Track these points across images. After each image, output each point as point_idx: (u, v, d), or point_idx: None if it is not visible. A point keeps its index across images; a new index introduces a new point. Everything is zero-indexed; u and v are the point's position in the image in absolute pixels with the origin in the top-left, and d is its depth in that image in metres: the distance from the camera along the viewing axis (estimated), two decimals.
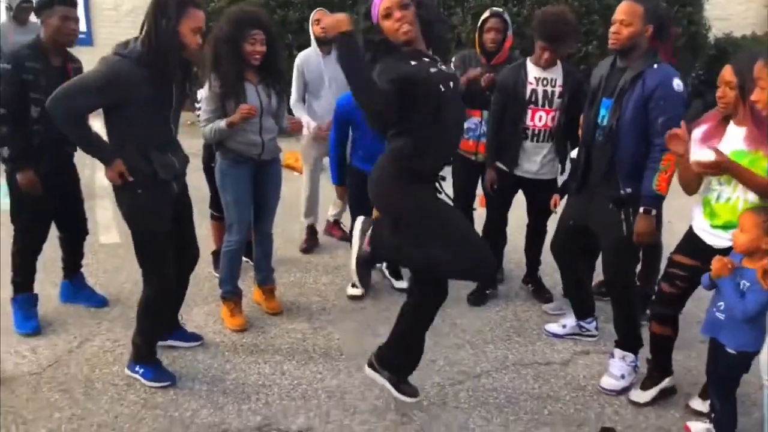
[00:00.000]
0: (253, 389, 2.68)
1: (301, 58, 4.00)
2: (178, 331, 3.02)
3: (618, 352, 2.79)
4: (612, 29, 2.57)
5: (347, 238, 4.23)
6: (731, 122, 2.30)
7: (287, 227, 4.38)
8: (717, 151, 2.18)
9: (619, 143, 2.58)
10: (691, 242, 2.45)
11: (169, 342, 2.96)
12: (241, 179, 3.09)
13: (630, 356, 2.76)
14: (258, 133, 3.04)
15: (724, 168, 2.19)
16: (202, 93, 3.07)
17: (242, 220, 3.15)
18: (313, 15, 4.01)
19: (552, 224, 3.45)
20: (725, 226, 2.31)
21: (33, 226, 3.02)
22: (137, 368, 2.70)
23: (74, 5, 2.91)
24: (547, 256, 3.57)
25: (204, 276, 3.71)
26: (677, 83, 2.51)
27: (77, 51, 3.09)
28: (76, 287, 3.37)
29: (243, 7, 3.10)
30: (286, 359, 2.93)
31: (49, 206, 3.02)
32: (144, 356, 2.70)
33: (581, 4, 7.77)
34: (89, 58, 2.95)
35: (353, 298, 3.57)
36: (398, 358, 2.48)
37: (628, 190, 2.59)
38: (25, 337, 3.00)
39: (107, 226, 4.42)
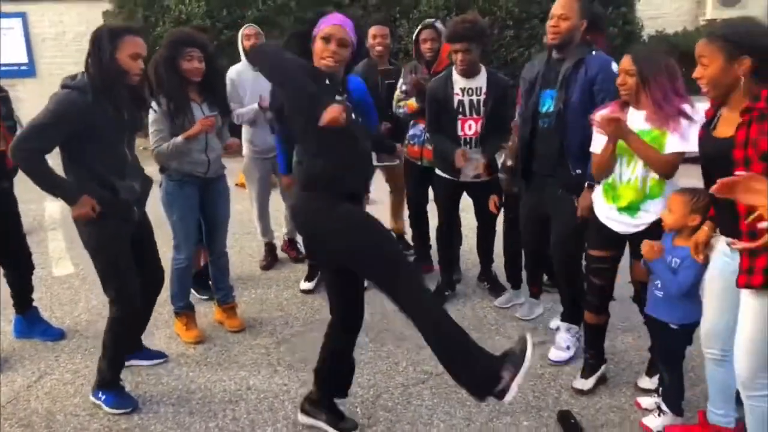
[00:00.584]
0: (219, 407, 2.69)
1: (233, 72, 3.98)
2: (142, 351, 3.02)
3: (563, 324, 2.99)
4: (550, 23, 2.71)
5: (300, 259, 4.29)
6: (630, 108, 2.46)
7: (245, 244, 4.40)
8: (617, 118, 2.33)
9: (568, 127, 2.72)
10: (601, 234, 2.57)
11: (133, 362, 2.97)
12: (187, 199, 3.13)
13: (574, 328, 2.98)
14: (204, 152, 3.10)
15: (622, 131, 2.32)
16: (151, 116, 3.09)
17: (188, 238, 3.19)
18: (243, 30, 4.08)
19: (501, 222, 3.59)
20: (629, 207, 2.46)
21: None
22: (100, 394, 2.69)
23: None
24: (498, 253, 3.71)
25: (163, 300, 3.69)
26: (615, 66, 2.66)
27: (21, 83, 3.06)
28: (29, 322, 3.32)
29: (180, 28, 3.15)
30: (251, 374, 2.94)
31: None
32: (108, 382, 2.69)
33: (521, 10, 8.08)
34: (33, 89, 2.95)
35: (306, 292, 3.79)
36: (325, 392, 2.50)
37: (578, 171, 2.72)
38: None
39: (60, 257, 4.36)
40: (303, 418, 2.54)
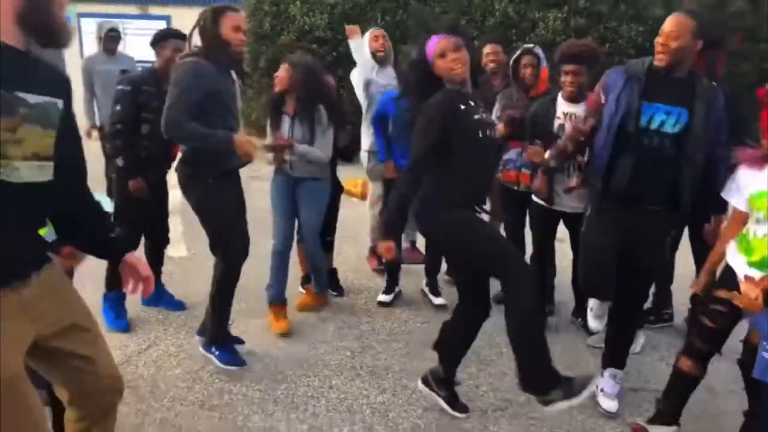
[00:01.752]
0: (302, 400, 2.82)
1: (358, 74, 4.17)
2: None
3: (611, 371, 2.86)
4: (659, 40, 2.50)
5: (381, 270, 4.36)
6: None
7: (340, 249, 4.54)
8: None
9: (697, 156, 2.52)
10: (731, 277, 2.40)
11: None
12: (278, 188, 3.54)
13: (620, 373, 2.87)
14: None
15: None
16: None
17: (277, 226, 3.54)
18: (372, 32, 4.16)
19: None
20: (760, 263, 2.28)
21: (132, 230, 3.34)
22: (213, 349, 2.97)
23: (185, 38, 3.25)
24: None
25: (261, 292, 3.92)
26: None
27: None
28: (158, 291, 3.67)
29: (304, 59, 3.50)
30: (335, 374, 3.06)
31: (147, 214, 3.41)
32: (217, 339, 2.96)
33: (645, 39, 7.75)
34: None
35: (382, 304, 3.85)
36: (445, 372, 2.67)
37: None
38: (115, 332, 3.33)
39: (176, 240, 4.73)
40: (422, 387, 2.73)
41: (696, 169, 2.54)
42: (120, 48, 5.53)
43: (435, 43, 2.40)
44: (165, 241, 3.71)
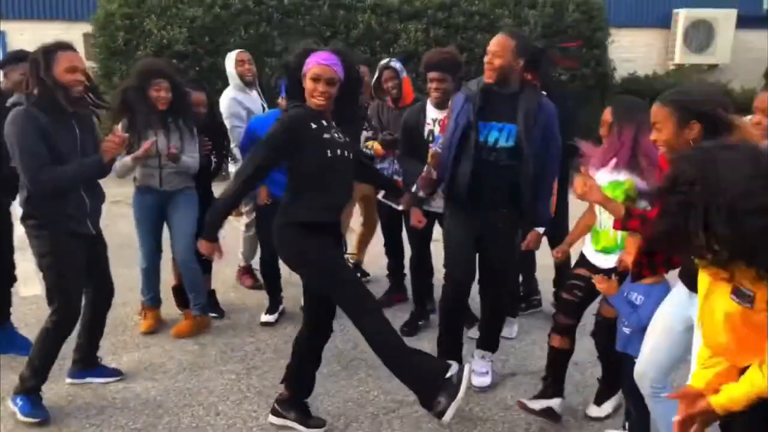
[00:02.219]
0: (186, 431, 2.66)
1: (229, 94, 4.12)
2: (97, 368, 3.04)
3: (479, 352, 3.11)
4: (486, 59, 2.70)
5: (258, 286, 4.31)
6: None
7: (219, 269, 4.36)
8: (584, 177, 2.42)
9: (527, 166, 2.73)
10: (585, 260, 2.71)
11: (88, 380, 3.00)
12: (145, 206, 3.49)
13: (489, 354, 3.11)
14: (157, 166, 3.38)
15: (593, 198, 2.39)
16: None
17: (144, 240, 3.55)
18: (235, 55, 4.16)
19: None
20: (604, 250, 2.62)
21: None
22: (17, 400, 2.70)
23: None
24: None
25: (132, 324, 3.66)
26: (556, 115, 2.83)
27: None
28: (7, 336, 3.32)
29: (150, 59, 3.42)
30: (220, 400, 2.92)
31: None
32: (29, 388, 2.70)
33: (485, 52, 8.32)
34: None
35: (266, 324, 3.76)
36: (295, 392, 2.67)
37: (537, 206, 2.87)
38: None
39: (27, 278, 4.27)
40: (273, 419, 2.70)
41: (528, 174, 2.76)
42: None
43: (314, 63, 2.38)
44: (12, 279, 3.34)
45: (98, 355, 3.10)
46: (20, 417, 2.66)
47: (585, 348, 2.96)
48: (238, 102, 4.06)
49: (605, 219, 2.59)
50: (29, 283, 4.20)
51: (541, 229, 2.97)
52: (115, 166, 3.17)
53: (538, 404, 2.74)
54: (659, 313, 2.18)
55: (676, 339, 2.10)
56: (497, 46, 2.65)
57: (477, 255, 2.96)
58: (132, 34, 7.94)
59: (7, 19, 10.76)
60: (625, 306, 2.36)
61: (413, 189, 3.06)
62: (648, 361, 2.19)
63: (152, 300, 3.63)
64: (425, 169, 3.02)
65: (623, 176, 2.52)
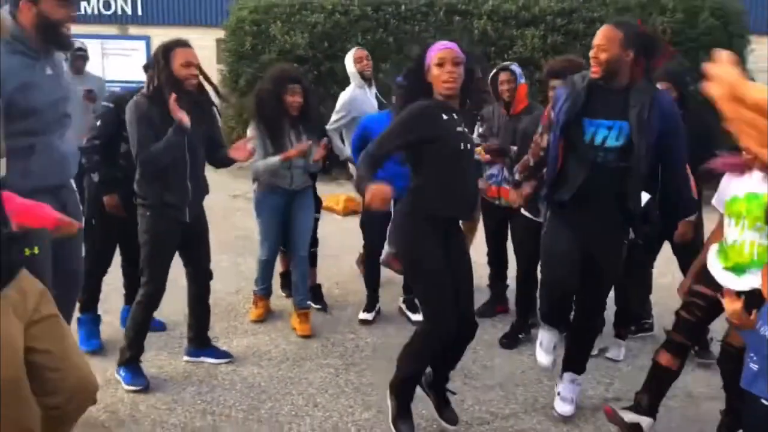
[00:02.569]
0: (286, 419, 2.78)
1: (347, 94, 4.27)
2: (209, 349, 3.28)
3: (569, 375, 2.86)
4: (591, 53, 2.54)
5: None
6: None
7: (321, 265, 4.53)
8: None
9: (639, 166, 2.54)
10: (709, 275, 2.48)
11: (202, 359, 3.25)
12: (272, 205, 3.61)
13: (579, 378, 2.87)
14: (287, 168, 3.51)
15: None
16: (248, 134, 3.52)
17: (269, 236, 3.67)
18: (354, 53, 4.30)
19: None
20: (734, 268, 2.37)
21: (103, 249, 3.37)
22: (121, 371, 2.98)
23: None
24: None
25: (244, 311, 3.89)
26: (676, 107, 2.64)
27: None
28: None
29: (283, 65, 3.64)
30: (319, 392, 3.02)
31: (123, 232, 3.35)
32: (127, 359, 2.98)
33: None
34: None
35: (364, 322, 3.82)
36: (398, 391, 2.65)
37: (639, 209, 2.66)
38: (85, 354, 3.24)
39: None
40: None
41: (638, 178, 2.56)
42: (89, 68, 5.47)
43: (437, 50, 2.40)
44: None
45: (211, 336, 3.34)
46: (124, 386, 2.94)
47: (701, 379, 2.74)
48: (354, 100, 4.18)
49: (734, 232, 2.36)
50: None
51: (692, 217, 2.81)
52: (257, 166, 3.47)
53: (629, 416, 2.58)
54: None
55: None
56: (603, 39, 2.48)
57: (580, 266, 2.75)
58: (258, 39, 8.46)
59: (152, 24, 11.90)
60: (759, 343, 2.14)
61: (513, 174, 3.06)
62: None
63: (265, 290, 3.82)
64: (526, 156, 2.94)
65: (765, 189, 2.28)
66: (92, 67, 5.68)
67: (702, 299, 2.47)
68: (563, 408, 2.82)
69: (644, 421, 2.58)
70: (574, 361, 2.88)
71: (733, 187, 2.37)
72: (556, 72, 3.22)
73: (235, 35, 8.64)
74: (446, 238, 2.49)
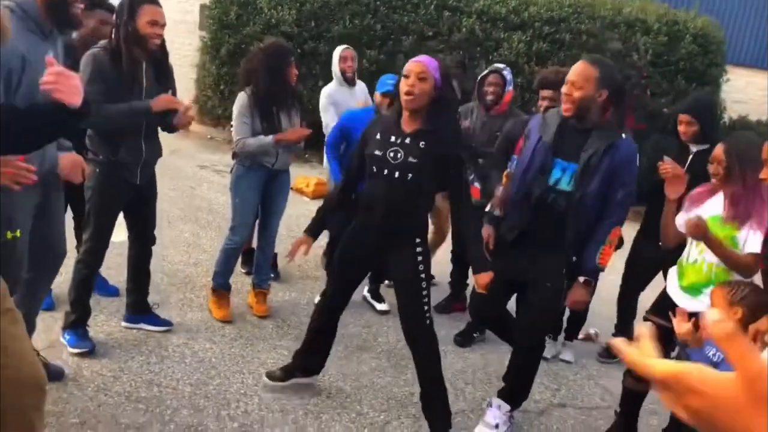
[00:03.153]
0: (234, 397, 2.76)
1: (327, 90, 4.28)
2: (149, 316, 3.22)
3: (496, 400, 2.76)
4: (563, 89, 2.44)
5: None
6: (721, 192, 2.44)
7: (287, 246, 4.48)
8: (699, 219, 2.31)
9: (582, 214, 2.49)
10: (665, 302, 2.55)
11: (140, 325, 3.19)
12: (251, 184, 3.40)
13: (506, 406, 2.74)
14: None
15: (701, 235, 2.31)
16: (236, 110, 3.35)
17: (244, 223, 3.47)
18: (340, 52, 4.28)
19: None
20: (690, 287, 2.43)
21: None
22: (65, 335, 2.90)
23: (113, 11, 3.17)
24: None
25: (201, 284, 3.83)
26: (637, 158, 2.55)
27: None
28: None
29: (279, 40, 3.50)
30: None
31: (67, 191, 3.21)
32: (71, 322, 2.90)
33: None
34: None
35: None
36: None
37: (574, 258, 2.56)
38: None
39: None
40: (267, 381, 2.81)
41: (575, 221, 2.49)
42: None
43: (409, 62, 2.40)
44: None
45: (166, 307, 3.27)
46: (69, 349, 2.87)
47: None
48: (330, 96, 4.20)
49: (694, 251, 2.42)
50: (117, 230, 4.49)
51: (582, 279, 2.54)
52: (250, 143, 3.27)
53: None
54: None
55: None
56: (577, 76, 2.39)
57: (514, 296, 2.79)
58: (244, 10, 8.27)
59: None
60: (703, 360, 2.22)
61: (487, 209, 2.86)
62: None
63: (226, 283, 3.53)
64: (501, 189, 2.79)
65: (725, 217, 2.36)
66: None
67: (656, 328, 2.53)
68: (480, 430, 2.73)
69: None
70: (508, 391, 2.78)
71: (697, 209, 2.44)
72: (550, 83, 3.22)
73: (220, 3, 8.43)
74: (381, 251, 2.54)
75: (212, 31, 8.44)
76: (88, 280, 2.94)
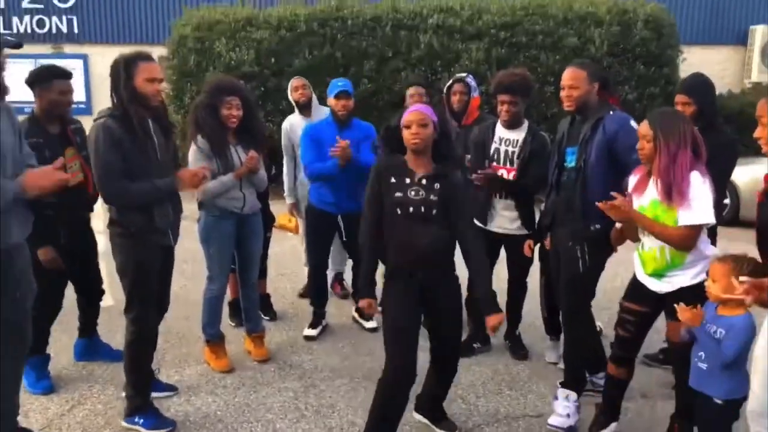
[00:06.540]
0: None
1: (286, 123, 4.30)
2: (155, 382, 3.07)
3: (563, 392, 2.88)
4: (562, 93, 2.87)
5: (345, 296, 4.41)
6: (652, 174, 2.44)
7: (279, 285, 4.44)
8: (621, 198, 2.38)
9: (587, 182, 2.81)
10: (637, 288, 2.57)
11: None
12: (224, 233, 3.30)
13: (573, 395, 2.86)
14: (239, 189, 3.27)
15: (626, 217, 2.38)
16: (192, 157, 3.26)
17: (223, 270, 3.38)
18: (292, 82, 4.35)
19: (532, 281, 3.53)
20: (654, 274, 2.47)
21: (50, 297, 3.02)
22: (136, 419, 2.75)
23: (70, 77, 3.11)
24: (528, 314, 3.66)
25: (195, 338, 3.74)
26: (633, 123, 2.76)
27: (79, 119, 3.28)
28: (94, 344, 3.48)
29: (220, 76, 3.41)
30: (278, 418, 2.92)
31: (65, 276, 3.16)
32: (140, 406, 2.76)
33: (561, 68, 8.16)
34: (88, 125, 3.08)
35: (309, 338, 3.81)
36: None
37: (597, 226, 2.78)
38: (35, 395, 3.07)
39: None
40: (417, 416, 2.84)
41: (586, 195, 2.81)
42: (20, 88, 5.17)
43: (406, 114, 2.51)
44: (99, 292, 3.46)
45: (162, 365, 3.18)
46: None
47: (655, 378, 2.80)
48: (288, 127, 4.26)
49: (647, 239, 2.45)
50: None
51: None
52: (208, 188, 3.15)
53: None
54: (761, 350, 2.05)
55: None
56: (571, 80, 2.82)
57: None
58: (202, 56, 8.28)
59: (89, 42, 11.50)
60: (708, 341, 2.19)
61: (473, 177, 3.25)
62: (762, 402, 2.05)
63: (218, 334, 3.46)
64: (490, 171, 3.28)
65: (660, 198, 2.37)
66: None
67: (632, 315, 2.57)
68: (554, 419, 2.82)
69: (613, 427, 2.72)
70: (568, 376, 2.96)
71: (640, 199, 2.46)
72: (505, 87, 3.26)
73: (178, 52, 8.43)
74: (420, 290, 2.54)
75: (173, 81, 8.43)
76: (147, 357, 2.84)
